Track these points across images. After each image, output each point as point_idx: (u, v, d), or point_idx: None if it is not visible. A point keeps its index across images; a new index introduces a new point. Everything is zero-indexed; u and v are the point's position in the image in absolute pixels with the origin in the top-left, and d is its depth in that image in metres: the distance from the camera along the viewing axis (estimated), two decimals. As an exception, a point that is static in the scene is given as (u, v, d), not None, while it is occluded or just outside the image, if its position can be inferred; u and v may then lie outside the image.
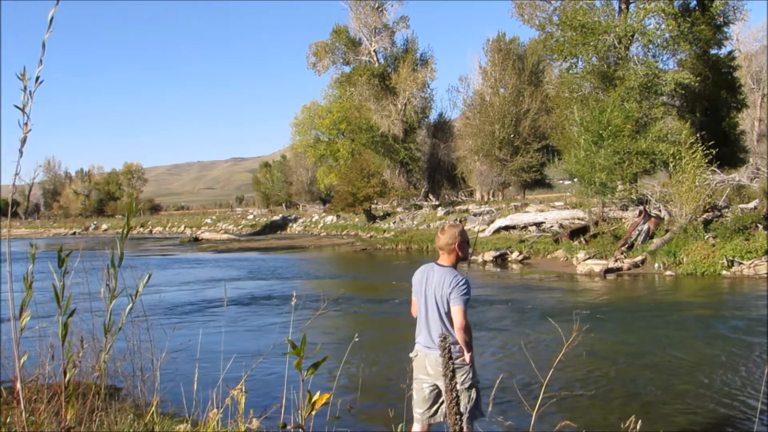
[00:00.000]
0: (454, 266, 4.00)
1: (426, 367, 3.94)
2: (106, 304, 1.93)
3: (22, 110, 1.71)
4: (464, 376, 3.83)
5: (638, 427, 2.31)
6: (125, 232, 1.92)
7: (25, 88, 1.71)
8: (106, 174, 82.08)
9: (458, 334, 3.82)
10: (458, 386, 3.75)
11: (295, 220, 46.32)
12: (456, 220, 28.76)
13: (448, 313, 3.87)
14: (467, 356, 3.86)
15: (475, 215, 28.12)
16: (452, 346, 3.85)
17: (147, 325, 3.58)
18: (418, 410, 4.00)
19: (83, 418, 2.47)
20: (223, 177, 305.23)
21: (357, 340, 4.31)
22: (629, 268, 16.35)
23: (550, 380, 2.94)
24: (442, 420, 3.99)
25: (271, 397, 5.61)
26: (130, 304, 2.00)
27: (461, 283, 3.83)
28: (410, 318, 4.26)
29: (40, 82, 1.72)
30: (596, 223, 20.24)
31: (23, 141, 1.74)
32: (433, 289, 3.93)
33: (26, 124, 1.72)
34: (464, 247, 4.02)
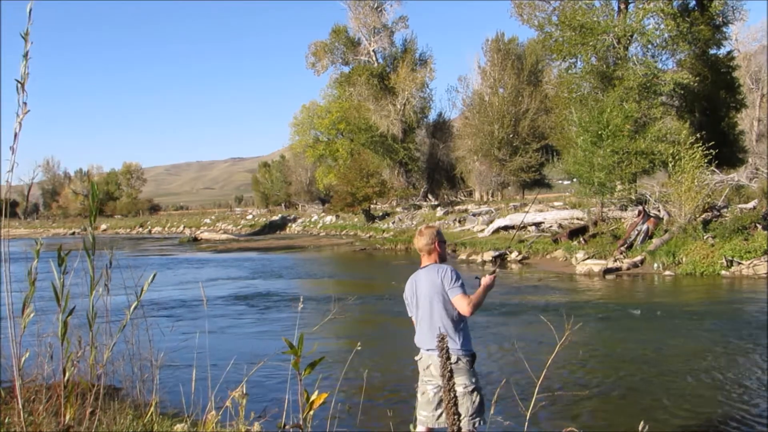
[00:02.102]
0: (437, 263, 4.07)
1: (430, 369, 3.96)
2: (92, 296, 1.92)
3: (22, 84, 1.68)
4: (466, 379, 3.84)
5: (640, 428, 2.30)
6: (93, 217, 1.93)
7: (26, 54, 1.67)
8: (105, 174, 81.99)
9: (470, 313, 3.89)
10: (460, 389, 3.76)
11: (294, 220, 46.30)
12: (455, 220, 28.77)
13: (448, 308, 3.89)
14: (487, 279, 4.01)
15: (474, 215, 28.12)
16: (454, 345, 3.86)
17: (146, 325, 3.58)
18: (423, 412, 4.00)
19: (82, 418, 2.47)
20: (222, 177, 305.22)
21: (358, 346, 4.31)
22: (628, 268, 16.36)
23: (550, 380, 2.95)
24: (445, 423, 3.99)
25: (271, 397, 5.61)
26: (135, 302, 2.00)
27: (448, 272, 3.90)
28: (409, 318, 4.26)
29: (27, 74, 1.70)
30: (595, 223, 20.25)
31: (19, 126, 1.71)
32: (424, 290, 3.96)
33: (24, 103, 1.70)
34: (443, 246, 4.12)
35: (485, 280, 4.05)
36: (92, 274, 1.88)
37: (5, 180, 1.85)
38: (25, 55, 1.67)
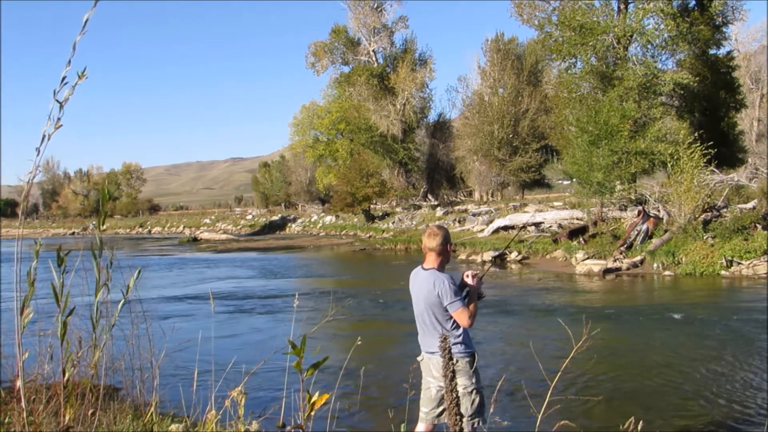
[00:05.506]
0: (439, 268, 3.97)
1: (431, 370, 3.96)
2: (97, 298, 1.92)
3: (61, 104, 1.74)
4: (465, 380, 3.83)
5: (639, 428, 2.30)
6: (102, 219, 1.94)
7: (62, 84, 1.73)
8: (105, 174, 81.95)
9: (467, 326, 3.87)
10: (459, 390, 3.75)
11: (294, 220, 46.30)
12: (455, 220, 28.75)
13: (440, 318, 3.88)
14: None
15: (473, 215, 28.11)
16: (453, 347, 3.85)
17: (146, 325, 3.57)
18: (424, 409, 4.01)
19: (82, 418, 2.46)
20: (222, 177, 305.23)
21: (359, 341, 4.30)
22: (628, 268, 16.35)
23: (545, 380, 2.94)
24: (445, 421, 3.99)
25: (271, 397, 5.60)
26: (122, 300, 2.00)
27: (445, 284, 3.82)
28: (410, 318, 4.25)
29: (65, 84, 1.74)
30: (595, 223, 20.25)
31: (49, 137, 1.75)
32: (422, 294, 3.94)
33: (59, 119, 1.75)
34: (449, 248, 4.05)
35: (472, 284, 3.99)
36: (98, 276, 1.88)
37: (27, 180, 1.87)
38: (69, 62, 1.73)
